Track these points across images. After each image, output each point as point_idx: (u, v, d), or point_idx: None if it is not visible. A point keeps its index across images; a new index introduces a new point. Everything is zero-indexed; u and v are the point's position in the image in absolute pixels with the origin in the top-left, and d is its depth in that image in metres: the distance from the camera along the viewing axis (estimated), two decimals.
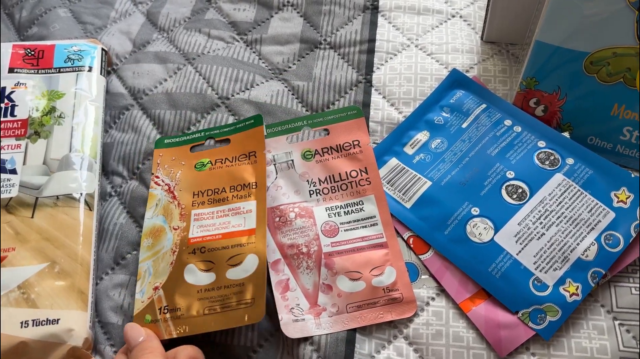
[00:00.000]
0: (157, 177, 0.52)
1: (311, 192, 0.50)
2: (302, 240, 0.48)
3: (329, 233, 0.48)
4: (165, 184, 0.52)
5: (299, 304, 0.45)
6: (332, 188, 0.50)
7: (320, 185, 0.50)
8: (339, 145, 0.51)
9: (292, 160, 0.51)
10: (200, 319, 0.44)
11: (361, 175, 0.50)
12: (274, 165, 0.51)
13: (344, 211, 0.48)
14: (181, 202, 0.50)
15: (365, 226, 0.48)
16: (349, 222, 0.48)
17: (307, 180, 0.50)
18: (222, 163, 0.52)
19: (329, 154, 0.51)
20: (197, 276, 0.46)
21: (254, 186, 0.49)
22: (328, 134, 0.52)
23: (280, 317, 0.45)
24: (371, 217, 0.48)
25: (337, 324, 0.44)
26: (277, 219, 0.49)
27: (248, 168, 0.51)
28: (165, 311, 0.45)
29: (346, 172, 0.50)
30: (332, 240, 0.47)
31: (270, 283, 0.46)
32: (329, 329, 0.44)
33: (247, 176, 0.50)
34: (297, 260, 0.47)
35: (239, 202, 0.49)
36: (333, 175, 0.50)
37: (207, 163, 0.52)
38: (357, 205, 0.49)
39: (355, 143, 0.51)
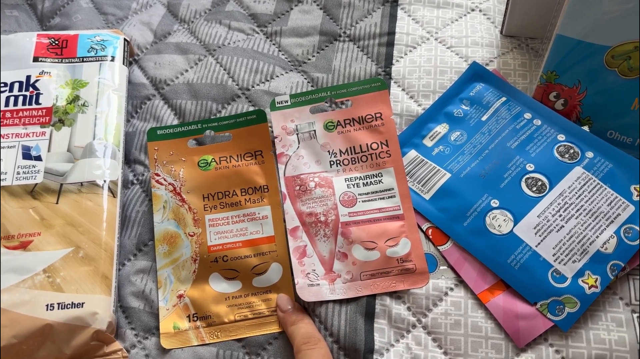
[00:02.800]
0: (158, 175, 0.51)
1: (332, 163, 0.50)
2: (320, 209, 0.49)
3: (347, 203, 0.48)
4: (169, 184, 0.51)
5: (314, 270, 0.47)
6: (353, 159, 0.50)
7: (340, 156, 0.51)
8: (361, 117, 0.52)
9: (315, 130, 0.52)
10: (233, 326, 0.46)
11: (382, 148, 0.50)
12: (297, 134, 0.52)
13: (363, 183, 0.49)
14: (192, 206, 0.50)
15: (383, 198, 0.49)
16: (367, 194, 0.49)
17: (328, 151, 0.51)
18: (227, 162, 0.51)
19: (351, 126, 0.52)
20: (223, 284, 0.47)
21: (265, 190, 0.50)
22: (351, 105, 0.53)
23: (296, 281, 0.46)
24: (389, 189, 0.49)
25: (351, 290, 0.46)
26: (298, 188, 0.50)
27: (256, 170, 0.51)
28: (195, 318, 0.46)
29: (367, 144, 0.51)
30: (350, 210, 0.48)
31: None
32: (342, 295, 0.46)
33: (257, 178, 0.51)
34: (315, 228, 0.48)
35: (253, 207, 0.50)
36: (354, 147, 0.51)
37: (212, 161, 0.51)
38: (376, 177, 0.50)
39: (378, 115, 0.52)
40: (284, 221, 0.49)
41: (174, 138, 0.53)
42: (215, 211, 0.50)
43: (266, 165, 0.51)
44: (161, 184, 0.51)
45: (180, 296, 0.47)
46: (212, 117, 0.54)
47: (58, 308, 0.43)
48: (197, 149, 0.52)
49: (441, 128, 0.52)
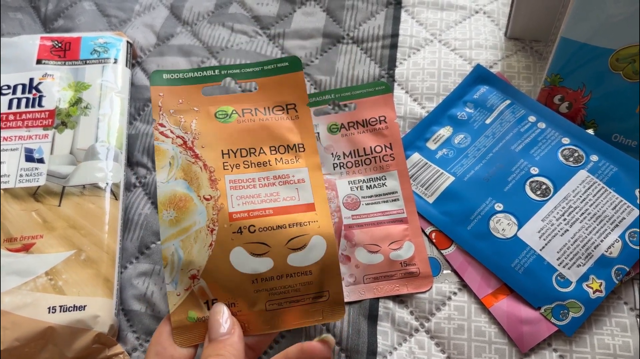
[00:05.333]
0: (163, 126, 0.42)
1: (335, 165, 0.50)
2: None
3: (351, 206, 0.48)
4: (178, 137, 0.41)
5: None
6: (356, 162, 0.50)
7: (344, 158, 0.50)
8: (365, 120, 0.52)
9: (318, 133, 0.52)
10: (263, 317, 0.38)
11: (385, 151, 0.50)
12: None
13: (367, 186, 0.49)
14: (208, 163, 0.40)
15: (387, 201, 0.49)
16: (371, 196, 0.49)
17: (332, 153, 0.51)
18: (252, 114, 0.42)
19: (355, 128, 0.51)
20: (249, 262, 0.38)
21: (301, 149, 0.42)
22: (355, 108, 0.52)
23: None
24: (393, 192, 0.49)
25: (354, 293, 0.46)
26: None
27: (289, 125, 0.43)
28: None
29: (371, 147, 0.51)
30: (353, 212, 0.48)
31: None
32: (345, 298, 0.45)
33: (289, 135, 0.42)
34: None
35: (286, 168, 0.41)
36: (357, 150, 0.51)
37: (232, 113, 0.42)
38: (380, 180, 0.49)
39: (382, 118, 0.51)
40: None
41: (184, 84, 0.43)
42: (238, 170, 0.40)
43: (301, 121, 0.43)
44: (167, 136, 0.41)
45: (193, 277, 0.38)
46: (233, 64, 0.47)
47: (60, 311, 0.43)
48: (213, 98, 0.43)
49: (445, 131, 0.52)
